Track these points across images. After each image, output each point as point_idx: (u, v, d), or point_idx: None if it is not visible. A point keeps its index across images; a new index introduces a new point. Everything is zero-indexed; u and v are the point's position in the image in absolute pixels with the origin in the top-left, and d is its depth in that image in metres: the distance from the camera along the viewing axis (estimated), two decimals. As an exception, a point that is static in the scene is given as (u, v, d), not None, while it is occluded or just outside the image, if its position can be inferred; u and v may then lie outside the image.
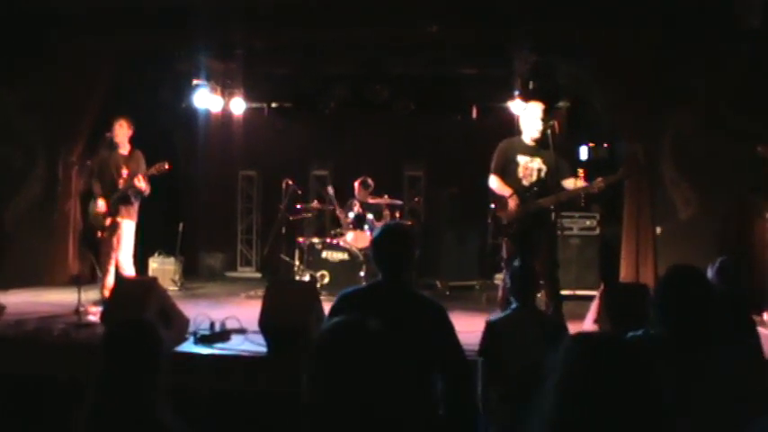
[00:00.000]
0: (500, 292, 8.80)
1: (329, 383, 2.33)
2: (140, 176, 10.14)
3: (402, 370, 2.49)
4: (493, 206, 8.89)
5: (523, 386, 4.74)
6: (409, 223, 13.27)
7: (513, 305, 5.63)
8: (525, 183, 8.59)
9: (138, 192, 10.27)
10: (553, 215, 8.91)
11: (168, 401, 3.29)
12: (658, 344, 3.83)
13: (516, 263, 5.82)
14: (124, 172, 10.26)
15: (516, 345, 5.26)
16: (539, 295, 7.61)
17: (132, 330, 3.39)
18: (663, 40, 11.07)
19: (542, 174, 8.60)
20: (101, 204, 10.25)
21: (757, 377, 3.93)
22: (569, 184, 8.60)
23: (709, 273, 5.18)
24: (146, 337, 3.35)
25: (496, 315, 6.00)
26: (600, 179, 8.46)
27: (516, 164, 8.65)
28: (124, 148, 10.46)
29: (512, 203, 8.47)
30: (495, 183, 8.72)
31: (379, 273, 4.58)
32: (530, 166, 8.62)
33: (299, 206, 13.17)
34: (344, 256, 11.96)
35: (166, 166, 10.18)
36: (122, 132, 10.42)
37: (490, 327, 5.55)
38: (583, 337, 2.77)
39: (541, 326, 5.45)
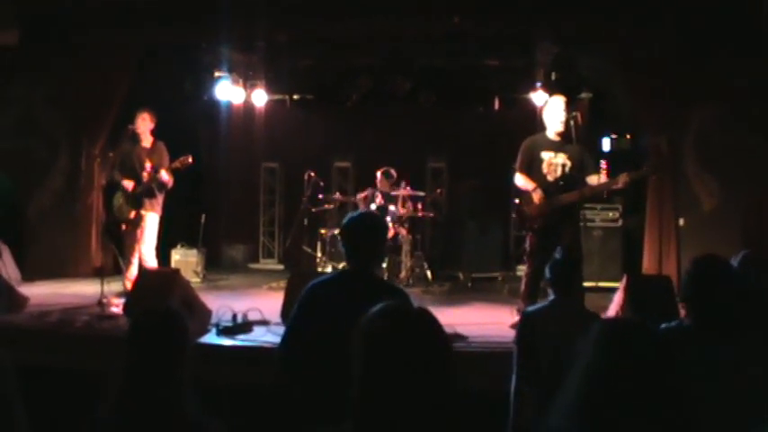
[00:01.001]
0: (523, 285, 8.79)
1: (384, 371, 2.33)
2: (164, 170, 10.20)
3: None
4: (517, 201, 8.87)
5: (556, 379, 4.73)
6: (431, 215, 13.29)
7: (552, 296, 5.54)
8: (550, 178, 8.56)
9: (162, 184, 10.31)
10: (577, 209, 8.90)
11: (194, 392, 3.29)
12: (691, 335, 3.82)
13: (558, 254, 5.72)
14: (147, 164, 10.30)
15: (552, 337, 5.19)
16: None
17: (159, 319, 3.39)
18: (687, 33, 11.01)
19: (567, 168, 8.57)
20: (127, 183, 10.27)
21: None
22: (593, 180, 8.57)
23: (734, 263, 5.14)
24: (173, 326, 3.36)
25: (533, 306, 5.94)
26: (624, 174, 8.41)
27: (540, 160, 8.62)
28: (147, 141, 10.49)
29: (536, 197, 8.44)
30: (520, 180, 8.72)
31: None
32: (554, 162, 8.60)
33: (321, 197, 13.18)
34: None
35: (190, 160, 10.20)
36: (145, 125, 10.46)
37: (526, 317, 5.48)
38: (613, 322, 2.77)
39: (579, 319, 5.35)
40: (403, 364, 2.29)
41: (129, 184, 10.32)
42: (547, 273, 5.57)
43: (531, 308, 5.76)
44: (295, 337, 4.63)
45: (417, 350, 2.32)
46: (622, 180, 8.37)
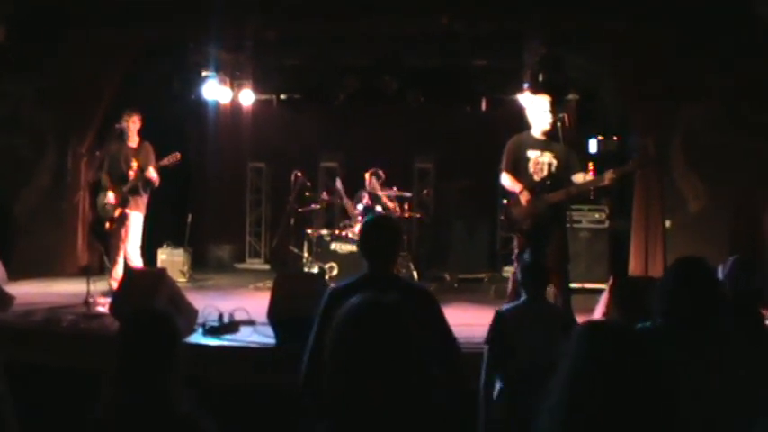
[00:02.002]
0: (510, 285, 8.80)
1: (353, 362, 2.33)
2: (151, 168, 10.21)
3: (413, 350, 2.50)
4: (505, 202, 8.87)
5: (528, 379, 4.76)
6: (418, 216, 13.29)
7: (523, 297, 5.63)
8: (536, 178, 8.57)
9: (149, 183, 10.33)
10: (564, 209, 8.92)
11: (185, 391, 3.29)
12: (665, 335, 3.83)
13: (527, 256, 5.84)
14: (134, 164, 10.31)
15: (523, 337, 5.28)
16: (548, 288, 7.60)
17: (150, 320, 3.39)
18: (675, 33, 11.04)
19: (553, 168, 8.58)
20: (110, 196, 10.31)
21: (766, 373, 3.91)
22: (579, 178, 8.58)
23: (722, 269, 5.16)
24: (164, 327, 3.36)
25: (506, 306, 5.99)
26: (610, 171, 8.44)
27: (527, 159, 8.62)
28: (133, 141, 10.52)
29: (523, 199, 8.45)
30: (506, 180, 8.70)
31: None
32: (540, 161, 8.60)
33: (307, 195, 13.17)
34: (353, 247, 11.92)
35: (178, 157, 10.25)
36: (134, 126, 10.50)
37: (499, 317, 5.54)
38: (593, 325, 2.78)
39: (550, 320, 5.44)
40: (363, 358, 2.30)
41: (112, 197, 10.32)
42: (518, 274, 5.68)
43: (504, 307, 5.84)
44: (320, 353, 4.55)
45: (377, 344, 2.32)
46: (608, 177, 8.38)
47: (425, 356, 2.51)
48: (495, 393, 5.29)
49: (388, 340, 2.36)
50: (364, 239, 4.73)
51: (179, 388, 3.24)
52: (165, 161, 10.29)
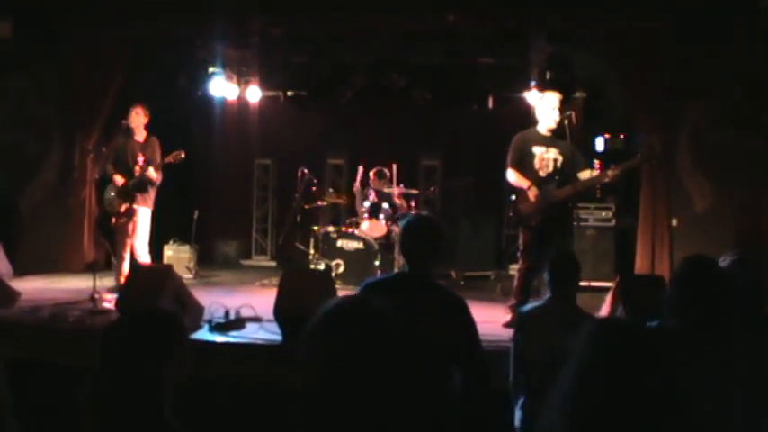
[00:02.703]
0: (516, 282, 8.80)
1: (328, 363, 2.31)
2: (151, 168, 10.25)
3: (415, 359, 2.47)
4: (513, 198, 8.87)
5: (548, 378, 4.74)
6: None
7: (548, 295, 5.54)
8: (542, 174, 8.58)
9: (151, 181, 10.33)
10: (571, 206, 8.92)
11: (178, 387, 3.24)
12: (674, 335, 3.82)
13: (556, 252, 5.72)
14: (140, 159, 10.32)
15: (546, 336, 5.20)
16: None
17: (150, 321, 3.35)
18: (681, 31, 11.02)
19: (558, 164, 8.60)
20: (118, 179, 10.28)
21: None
22: (584, 175, 8.58)
23: (726, 266, 5.15)
24: (167, 328, 3.31)
25: (529, 305, 5.94)
26: (613, 167, 8.46)
27: (532, 155, 8.64)
28: (140, 135, 10.53)
29: (531, 195, 8.46)
30: (512, 176, 8.72)
31: (398, 262, 4.64)
32: (546, 157, 8.62)
33: (314, 192, 13.16)
34: (359, 245, 11.93)
35: (182, 155, 10.25)
36: (139, 120, 10.51)
37: (522, 315, 5.51)
38: (602, 322, 2.78)
39: (574, 318, 5.36)
40: (335, 359, 2.28)
41: (119, 180, 10.33)
42: (546, 271, 5.56)
43: (526, 307, 5.77)
44: None
45: (363, 346, 2.30)
46: (612, 172, 8.40)
47: (434, 365, 2.47)
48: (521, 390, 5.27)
49: (359, 346, 2.32)
50: (407, 237, 4.72)
51: (170, 393, 3.19)
52: (170, 158, 10.28)
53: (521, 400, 5.22)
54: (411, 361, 2.40)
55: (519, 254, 9.04)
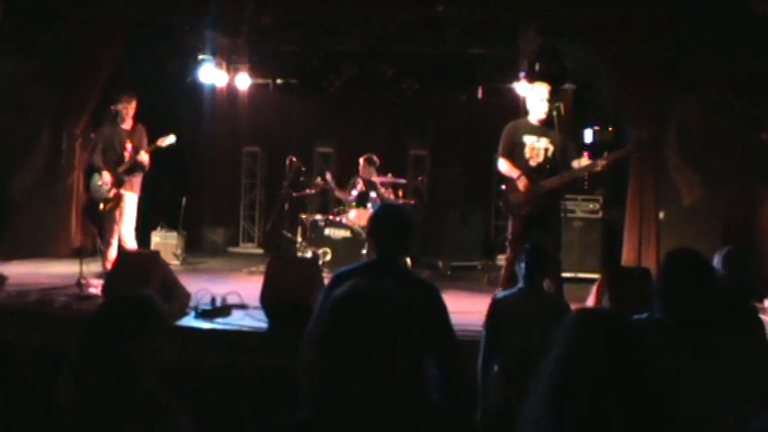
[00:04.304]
0: (503, 272, 8.82)
1: (341, 347, 2.31)
2: (143, 152, 10.25)
3: (406, 343, 2.47)
4: (504, 188, 8.89)
5: (523, 366, 4.77)
6: (412, 202, 13.27)
7: (520, 284, 5.65)
8: (533, 163, 8.61)
9: (142, 166, 10.33)
10: (560, 197, 8.95)
11: (162, 373, 3.25)
12: (660, 328, 3.83)
13: (529, 244, 5.83)
14: (128, 145, 10.31)
15: (519, 324, 5.30)
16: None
17: (132, 303, 3.36)
18: (671, 25, 11.03)
19: (549, 153, 8.62)
20: (106, 176, 10.29)
21: (760, 364, 3.93)
22: (576, 164, 8.62)
23: (716, 260, 5.18)
24: (145, 312, 3.32)
25: (502, 292, 6.01)
26: (606, 154, 8.51)
27: (523, 144, 8.66)
28: (127, 123, 10.50)
29: (521, 184, 8.48)
30: (504, 165, 8.75)
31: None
32: (536, 146, 8.64)
33: (302, 180, 13.15)
34: (347, 233, 11.95)
35: (173, 138, 10.27)
36: (131, 110, 10.49)
37: (495, 303, 5.60)
38: (585, 312, 2.79)
39: (546, 307, 5.46)
40: (351, 345, 2.28)
41: (107, 175, 10.31)
42: (518, 261, 5.68)
43: (500, 294, 5.86)
44: None
45: (366, 331, 2.30)
46: (602, 161, 8.45)
47: (419, 350, 2.48)
48: (492, 378, 5.32)
49: (378, 328, 2.34)
50: (376, 226, 4.67)
51: (154, 377, 3.20)
52: (160, 142, 10.31)
53: (494, 383, 5.29)
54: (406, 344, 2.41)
55: (507, 243, 9.06)
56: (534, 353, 2.93)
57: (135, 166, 10.38)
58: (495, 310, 5.54)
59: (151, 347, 3.20)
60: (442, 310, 4.49)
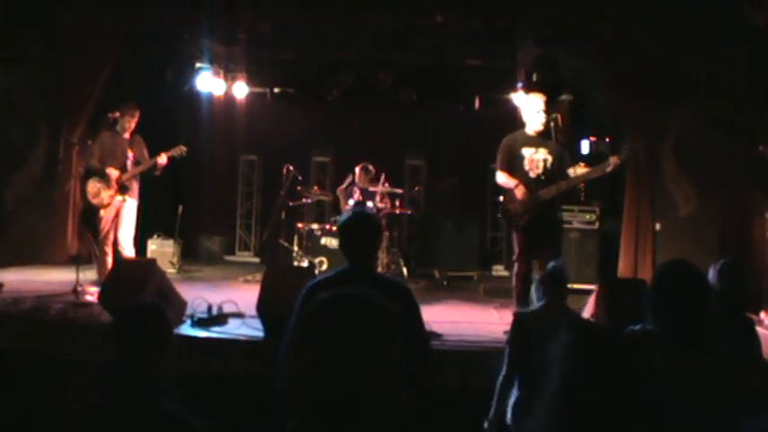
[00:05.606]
0: (514, 286, 8.75)
1: (321, 355, 2.31)
2: (163, 154, 10.39)
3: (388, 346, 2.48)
4: (501, 199, 8.87)
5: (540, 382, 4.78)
6: (409, 212, 13.27)
7: (542, 301, 5.68)
8: (532, 175, 8.58)
9: (154, 168, 10.41)
10: (558, 207, 8.96)
11: (172, 386, 3.28)
12: (655, 340, 3.83)
13: (552, 263, 5.88)
14: (130, 155, 10.33)
15: (541, 340, 5.29)
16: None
17: (143, 315, 3.38)
18: (668, 36, 11.06)
19: (548, 164, 8.61)
20: (113, 172, 10.25)
21: (756, 376, 3.93)
22: (570, 172, 8.62)
23: (711, 272, 5.19)
24: (157, 322, 3.35)
25: (526, 309, 6.06)
26: (614, 157, 8.55)
27: (522, 157, 8.64)
28: (126, 133, 10.49)
29: (519, 194, 8.46)
30: (502, 178, 8.73)
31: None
32: (535, 158, 8.62)
33: (299, 189, 13.16)
34: (343, 242, 11.93)
35: (184, 150, 10.57)
36: (134, 122, 10.50)
37: (519, 319, 5.63)
38: (581, 328, 2.79)
39: (567, 322, 5.46)
40: (331, 352, 2.28)
41: (114, 173, 10.29)
42: (538, 281, 5.72)
43: (523, 311, 5.89)
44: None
45: (347, 338, 2.30)
46: (614, 162, 8.48)
47: (403, 352, 2.48)
48: (511, 403, 5.32)
49: (360, 334, 2.33)
50: (343, 235, 4.77)
51: (170, 386, 3.23)
52: (173, 152, 10.40)
53: (512, 399, 5.28)
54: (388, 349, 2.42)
55: (514, 257, 8.93)
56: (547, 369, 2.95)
57: (151, 170, 10.43)
58: (519, 325, 5.57)
59: (166, 355, 3.23)
60: (417, 308, 4.64)
